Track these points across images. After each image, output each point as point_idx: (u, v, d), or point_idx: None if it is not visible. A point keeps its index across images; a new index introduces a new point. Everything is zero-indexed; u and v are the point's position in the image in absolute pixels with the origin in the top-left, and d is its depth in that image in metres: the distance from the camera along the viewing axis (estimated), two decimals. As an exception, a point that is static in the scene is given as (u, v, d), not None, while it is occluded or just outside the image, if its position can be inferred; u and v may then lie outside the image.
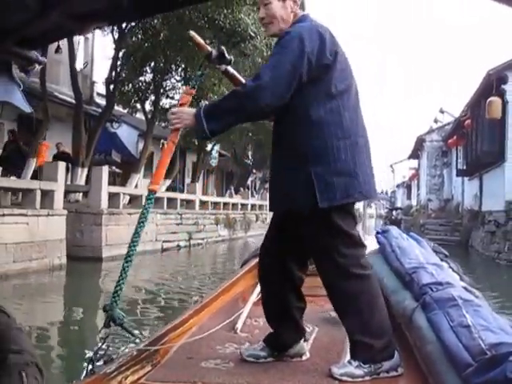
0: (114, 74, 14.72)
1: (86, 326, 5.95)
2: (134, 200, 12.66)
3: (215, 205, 18.95)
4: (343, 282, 1.90)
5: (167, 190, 17.04)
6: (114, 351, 1.84)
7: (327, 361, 1.98)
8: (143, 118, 17.94)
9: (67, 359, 4.66)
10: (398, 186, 52.71)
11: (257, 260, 3.11)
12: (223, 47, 2.08)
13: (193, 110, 1.91)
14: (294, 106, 1.88)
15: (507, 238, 13.09)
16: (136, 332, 1.93)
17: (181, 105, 1.98)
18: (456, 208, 21.95)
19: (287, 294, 2.07)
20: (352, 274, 1.89)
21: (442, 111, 26.80)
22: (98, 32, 16.72)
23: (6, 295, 7.24)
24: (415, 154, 31.26)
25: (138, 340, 1.87)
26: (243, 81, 2.16)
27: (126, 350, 1.90)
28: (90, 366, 1.76)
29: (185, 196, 16.42)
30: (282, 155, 1.97)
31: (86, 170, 13.54)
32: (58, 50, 13.18)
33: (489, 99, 12.64)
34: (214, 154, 23.73)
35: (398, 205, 46.94)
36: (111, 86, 14.76)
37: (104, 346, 1.83)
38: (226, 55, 2.06)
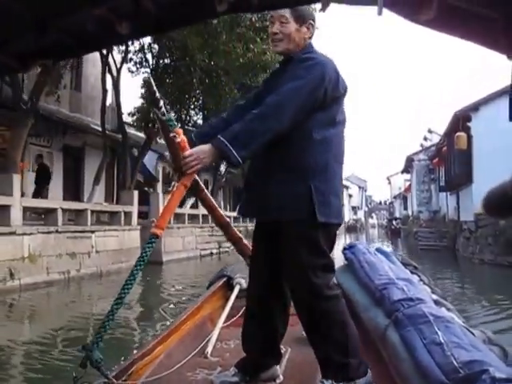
0: (152, 114, 17.93)
1: (153, 304, 8.32)
2: (180, 217, 16.04)
3: (235, 218, 22.27)
4: (315, 302, 1.90)
5: (191, 207, 20.40)
6: None
7: (301, 383, 1.95)
8: (161, 141, 21.10)
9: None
10: (395, 197, 54.58)
11: (223, 280, 3.37)
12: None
13: (208, 146, 1.85)
14: (301, 125, 1.90)
15: (477, 242, 16.30)
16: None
17: (183, 147, 1.89)
18: (443, 218, 24.96)
19: (277, 321, 2.05)
20: (323, 296, 1.90)
21: (430, 131, 29.63)
22: (125, 71, 20.10)
23: (109, 286, 10.49)
24: (407, 170, 34.33)
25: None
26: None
27: (90, 383, 1.75)
28: None
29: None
30: (275, 168, 1.94)
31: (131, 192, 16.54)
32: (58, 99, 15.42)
33: (456, 134, 15.99)
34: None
35: (397, 215, 48.94)
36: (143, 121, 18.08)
37: None
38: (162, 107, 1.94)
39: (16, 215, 8.96)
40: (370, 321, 2.26)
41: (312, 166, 1.92)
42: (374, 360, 2.09)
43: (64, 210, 10.53)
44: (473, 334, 1.83)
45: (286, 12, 2.03)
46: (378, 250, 3.06)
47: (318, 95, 1.91)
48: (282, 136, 1.89)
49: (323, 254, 1.94)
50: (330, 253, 2.00)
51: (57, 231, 9.85)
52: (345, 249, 3.01)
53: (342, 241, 36.06)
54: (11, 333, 6.36)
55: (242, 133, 1.85)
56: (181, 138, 1.91)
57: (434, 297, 2.41)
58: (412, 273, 2.88)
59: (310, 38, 2.08)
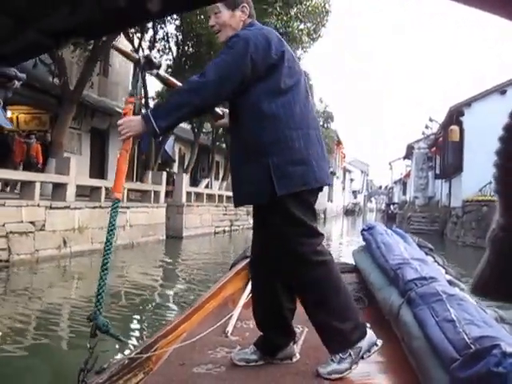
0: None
1: (170, 272, 9.93)
2: (199, 196, 17.81)
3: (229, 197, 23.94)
4: (303, 270, 1.92)
5: (206, 186, 22.18)
6: (106, 360, 1.84)
7: (317, 361, 1.98)
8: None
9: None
10: (395, 183, 55.32)
11: (246, 261, 3.44)
12: (150, 53, 1.90)
13: (139, 116, 1.92)
14: (246, 103, 1.94)
15: (463, 227, 18.00)
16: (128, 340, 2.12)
17: (124, 114, 1.98)
18: (436, 204, 26.60)
19: (280, 295, 2.06)
20: (311, 261, 1.92)
21: (430, 120, 30.74)
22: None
23: (138, 256, 12.22)
24: (408, 156, 35.88)
25: (128, 349, 1.74)
26: (178, 83, 2.19)
27: (118, 359, 1.86)
28: (81, 377, 1.71)
29: (229, 193, 21.45)
30: (241, 150, 2.00)
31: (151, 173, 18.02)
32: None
33: (450, 127, 17.67)
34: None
35: (395, 200, 49.67)
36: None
37: (93, 356, 1.77)
38: (154, 60, 2.09)
39: (71, 192, 10.62)
40: (384, 300, 2.32)
41: (265, 143, 1.93)
42: (388, 339, 2.11)
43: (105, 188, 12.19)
44: (485, 312, 1.82)
45: (217, 3, 2.07)
46: (395, 231, 3.12)
47: (245, 68, 1.90)
48: (204, 110, 2.04)
49: (302, 222, 1.95)
50: (312, 218, 2.01)
51: (100, 207, 11.55)
52: (363, 230, 3.04)
53: (339, 223, 37.42)
54: (66, 291, 7.91)
55: (164, 105, 2.03)
56: (127, 106, 2.00)
57: (448, 277, 2.45)
58: (427, 254, 2.92)
59: (250, 16, 2.11)
